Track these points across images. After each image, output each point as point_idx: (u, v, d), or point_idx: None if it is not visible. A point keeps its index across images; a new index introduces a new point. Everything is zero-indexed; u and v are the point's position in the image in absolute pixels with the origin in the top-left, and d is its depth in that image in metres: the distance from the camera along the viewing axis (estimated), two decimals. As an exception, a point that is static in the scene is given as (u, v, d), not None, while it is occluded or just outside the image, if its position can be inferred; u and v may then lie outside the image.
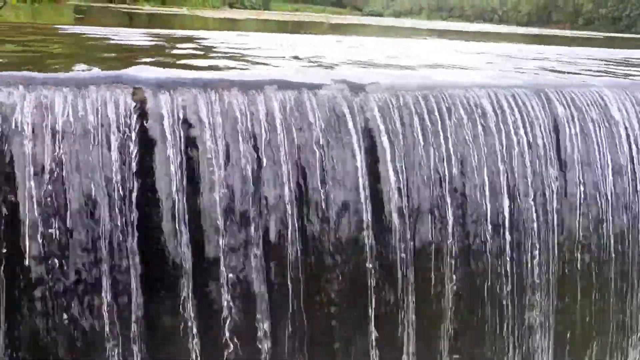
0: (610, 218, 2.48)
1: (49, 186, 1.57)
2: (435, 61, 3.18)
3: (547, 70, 3.10)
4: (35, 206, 1.55)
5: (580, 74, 3.09)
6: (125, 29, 4.17)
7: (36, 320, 1.68)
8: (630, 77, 2.92)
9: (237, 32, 4.57)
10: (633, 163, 2.48)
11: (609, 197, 2.46)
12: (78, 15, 7.87)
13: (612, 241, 2.49)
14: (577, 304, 2.49)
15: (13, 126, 1.56)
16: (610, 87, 2.57)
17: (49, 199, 1.56)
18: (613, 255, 2.51)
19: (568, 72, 3.08)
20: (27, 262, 1.61)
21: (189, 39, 3.58)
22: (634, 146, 2.48)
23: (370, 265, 2.07)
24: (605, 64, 3.91)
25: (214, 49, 3.10)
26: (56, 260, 1.61)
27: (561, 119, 2.37)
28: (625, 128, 2.48)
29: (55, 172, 1.57)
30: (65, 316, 1.68)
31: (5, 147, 1.55)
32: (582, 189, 2.39)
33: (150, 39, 3.50)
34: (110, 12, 12.79)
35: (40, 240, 1.58)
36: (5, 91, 1.59)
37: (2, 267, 1.61)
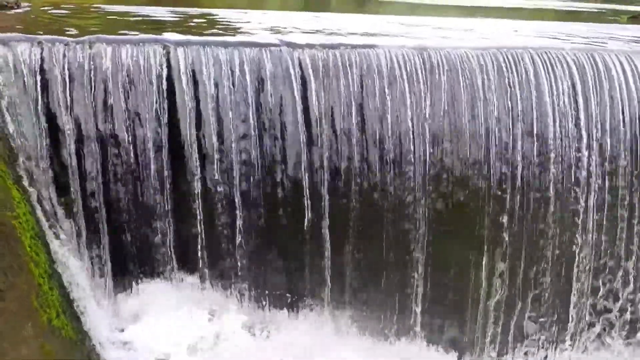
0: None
1: (122, 95, 3.01)
2: (371, 31, 4.48)
3: (449, 37, 4.37)
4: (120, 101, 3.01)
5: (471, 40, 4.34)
6: (154, 7, 5.57)
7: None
8: (502, 45, 4.15)
9: (240, 10, 5.92)
10: (486, 99, 3.75)
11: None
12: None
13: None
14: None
15: (101, 62, 2.99)
16: (475, 49, 3.84)
17: (123, 97, 3.02)
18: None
19: (464, 39, 4.34)
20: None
21: (201, 16, 4.97)
22: (486, 84, 3.74)
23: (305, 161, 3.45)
24: (517, 34, 5.13)
25: (218, 22, 4.48)
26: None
27: (435, 66, 3.66)
28: (482, 73, 3.74)
29: (125, 85, 3.01)
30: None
31: (99, 69, 2.98)
32: (447, 119, 3.69)
33: (173, 15, 4.89)
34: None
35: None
36: (98, 46, 3.00)
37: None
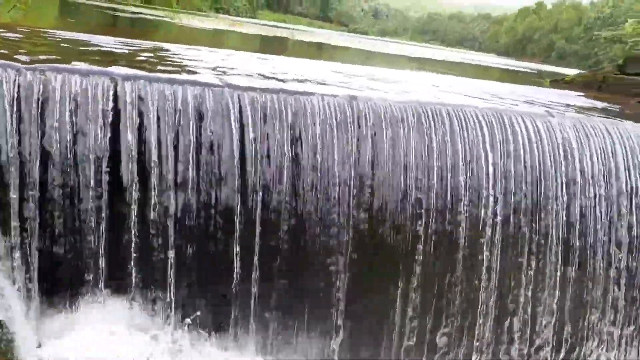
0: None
1: (69, 122, 3.22)
2: (308, 77, 4.90)
3: (379, 89, 4.85)
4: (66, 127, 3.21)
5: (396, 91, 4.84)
6: (107, 37, 5.80)
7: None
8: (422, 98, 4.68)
9: (192, 46, 6.23)
10: (406, 148, 4.20)
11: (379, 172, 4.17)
12: (70, 19, 9.39)
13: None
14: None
15: (51, 89, 3.20)
16: (399, 102, 4.31)
17: (69, 124, 3.22)
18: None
19: (390, 92, 4.83)
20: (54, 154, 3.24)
21: (153, 50, 5.24)
22: (406, 134, 4.20)
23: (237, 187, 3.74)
24: (434, 88, 5.71)
25: (168, 59, 4.76)
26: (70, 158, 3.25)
27: (362, 116, 4.08)
28: (403, 124, 4.20)
29: (72, 113, 3.22)
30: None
31: (48, 96, 3.19)
32: (371, 164, 4.10)
33: (127, 47, 5.13)
34: (97, 14, 14.27)
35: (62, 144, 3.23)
36: (49, 74, 3.22)
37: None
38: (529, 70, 19.12)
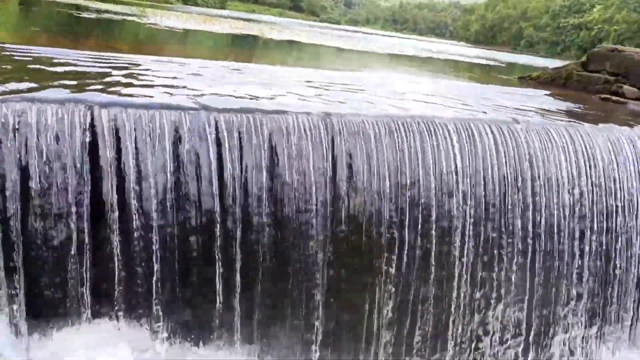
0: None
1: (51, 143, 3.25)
2: (281, 90, 5.00)
3: (351, 100, 4.98)
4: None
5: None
6: (79, 51, 5.76)
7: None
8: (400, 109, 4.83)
9: (163, 58, 6.24)
10: (379, 160, 4.34)
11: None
12: (33, 26, 9.17)
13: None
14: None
15: (29, 120, 3.22)
16: (371, 117, 4.44)
17: (50, 152, 3.25)
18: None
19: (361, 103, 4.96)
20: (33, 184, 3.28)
21: (125, 66, 5.24)
22: (379, 147, 4.34)
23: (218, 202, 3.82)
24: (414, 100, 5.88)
25: (140, 77, 4.78)
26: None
27: (336, 132, 4.20)
28: (376, 138, 4.34)
29: (54, 137, 3.25)
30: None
31: (24, 127, 3.21)
32: (346, 178, 4.24)
33: (97, 63, 5.13)
34: (59, 15, 13.93)
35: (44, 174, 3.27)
36: (25, 104, 3.24)
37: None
38: (497, 64, 19.54)
